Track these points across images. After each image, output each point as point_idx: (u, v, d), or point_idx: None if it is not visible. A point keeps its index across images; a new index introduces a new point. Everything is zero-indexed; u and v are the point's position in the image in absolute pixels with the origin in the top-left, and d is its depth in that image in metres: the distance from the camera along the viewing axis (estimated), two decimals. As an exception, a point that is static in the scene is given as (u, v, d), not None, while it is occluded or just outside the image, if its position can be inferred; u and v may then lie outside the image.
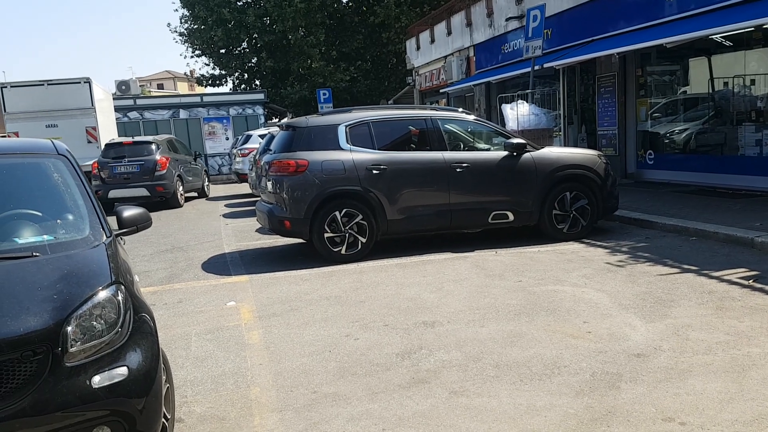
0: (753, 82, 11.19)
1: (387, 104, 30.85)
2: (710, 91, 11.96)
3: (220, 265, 8.08)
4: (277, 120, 33.00)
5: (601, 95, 13.21)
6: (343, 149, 7.68)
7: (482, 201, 7.94)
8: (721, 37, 10.29)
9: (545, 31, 12.51)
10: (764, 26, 8.85)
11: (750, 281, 5.52)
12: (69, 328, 2.65)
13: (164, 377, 3.08)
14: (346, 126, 7.80)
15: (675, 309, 4.92)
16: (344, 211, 7.58)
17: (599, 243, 7.76)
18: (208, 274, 7.58)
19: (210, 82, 34.05)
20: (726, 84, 11.72)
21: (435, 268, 6.99)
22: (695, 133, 12.15)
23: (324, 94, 24.89)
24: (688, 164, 11.65)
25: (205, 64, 34.31)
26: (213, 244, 9.76)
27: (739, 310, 4.77)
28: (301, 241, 8.62)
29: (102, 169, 15.34)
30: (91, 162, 16.70)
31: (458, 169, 7.84)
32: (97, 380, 2.64)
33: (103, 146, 17.64)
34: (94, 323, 2.73)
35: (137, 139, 16.31)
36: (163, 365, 3.07)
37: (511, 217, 8.03)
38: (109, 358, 2.71)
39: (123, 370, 2.71)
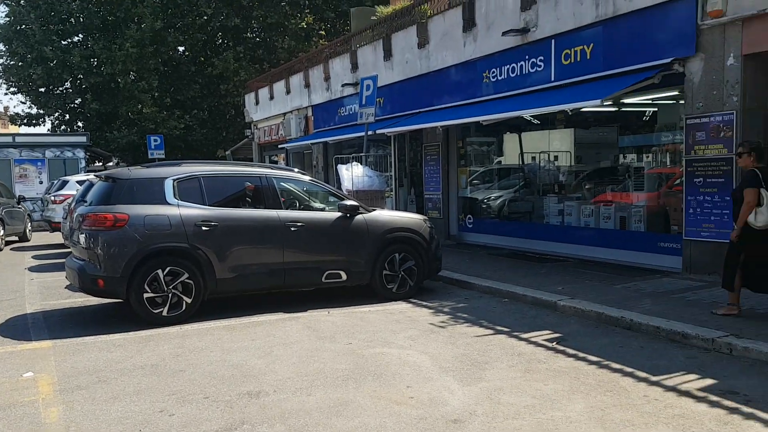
0: (556, 158, 12.64)
1: (224, 154, 30.19)
2: (521, 163, 13.29)
3: (19, 328, 7.18)
4: (100, 164, 30.81)
5: (428, 162, 14.09)
6: (169, 204, 7.33)
7: (316, 260, 7.98)
8: (530, 116, 11.55)
9: (378, 99, 13.16)
10: (567, 111, 10.04)
11: (554, 343, 6.05)
12: None
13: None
14: (174, 180, 7.48)
15: (489, 371, 5.22)
16: (168, 269, 7.17)
17: (424, 303, 8.10)
18: (3, 338, 6.69)
19: (25, 121, 31.04)
20: (534, 158, 13.12)
21: (265, 330, 6.80)
22: (508, 201, 13.36)
23: (155, 141, 23.75)
24: (502, 229, 12.71)
25: (21, 102, 31.40)
26: (13, 302, 8.67)
27: (545, 373, 5.19)
28: (117, 300, 7.96)
29: None
30: None
31: (293, 228, 7.82)
32: None
33: None
34: None
35: None
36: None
37: (344, 276, 8.14)
38: None
39: None
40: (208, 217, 7.42)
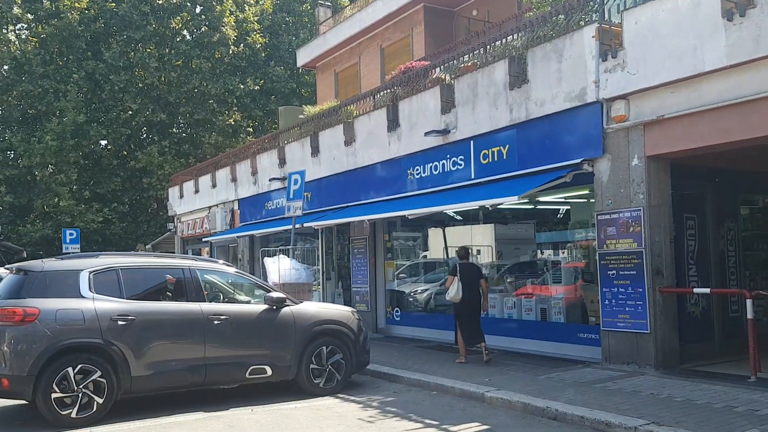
0: (479, 252, 13.03)
1: (145, 249, 29.22)
2: (445, 257, 13.60)
3: None
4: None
5: (355, 255, 14.19)
6: (84, 297, 7.03)
7: (240, 355, 7.73)
8: (452, 211, 11.98)
9: (306, 193, 13.33)
10: (486, 206, 10.50)
11: (483, 434, 6.03)
12: None
13: None
14: (90, 272, 7.21)
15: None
16: (79, 367, 6.76)
17: (352, 398, 7.92)
18: None
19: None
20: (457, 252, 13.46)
21: (182, 432, 6.42)
22: (434, 293, 13.52)
23: (71, 235, 22.92)
24: (429, 322, 12.79)
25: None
26: None
27: (475, 464, 5.12)
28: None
29: None
30: None
31: (216, 322, 7.60)
32: None
33: None
34: None
35: None
36: None
37: (269, 371, 7.89)
38: None
39: None
40: (125, 311, 7.13)
